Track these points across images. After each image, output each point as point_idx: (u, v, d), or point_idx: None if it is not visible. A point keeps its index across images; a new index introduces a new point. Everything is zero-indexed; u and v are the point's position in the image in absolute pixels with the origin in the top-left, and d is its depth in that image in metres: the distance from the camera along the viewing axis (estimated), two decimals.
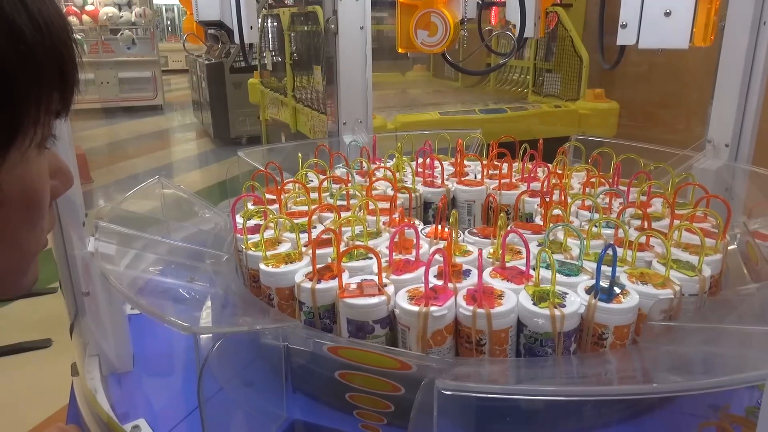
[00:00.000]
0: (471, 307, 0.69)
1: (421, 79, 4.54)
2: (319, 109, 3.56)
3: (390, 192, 1.13)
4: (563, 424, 0.75)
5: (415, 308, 0.70)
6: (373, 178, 1.18)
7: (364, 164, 1.35)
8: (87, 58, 7.43)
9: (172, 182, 1.34)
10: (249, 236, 0.92)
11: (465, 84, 4.22)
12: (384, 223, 0.97)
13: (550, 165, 1.31)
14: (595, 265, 0.75)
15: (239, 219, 0.97)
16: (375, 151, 1.41)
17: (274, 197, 1.11)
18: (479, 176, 1.27)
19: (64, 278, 0.88)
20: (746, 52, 1.20)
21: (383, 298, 0.72)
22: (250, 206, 1.03)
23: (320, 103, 3.59)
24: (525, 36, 1.45)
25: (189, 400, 0.86)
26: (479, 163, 1.34)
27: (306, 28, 3.85)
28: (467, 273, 0.80)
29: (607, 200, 1.12)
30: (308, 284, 0.76)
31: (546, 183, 1.11)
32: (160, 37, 9.49)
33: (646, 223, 0.93)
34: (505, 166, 1.27)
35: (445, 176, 1.24)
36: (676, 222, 0.93)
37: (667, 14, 0.95)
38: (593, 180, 1.19)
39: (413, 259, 0.84)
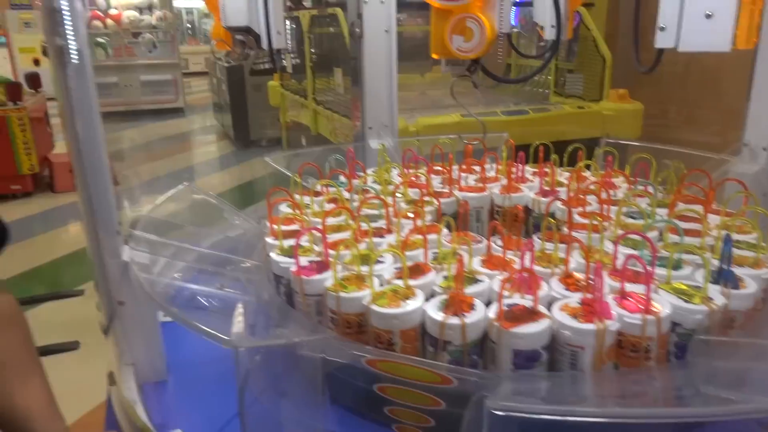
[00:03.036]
0: (639, 315, 0.66)
1: (440, 80, 4.52)
2: (339, 111, 3.57)
3: (403, 206, 1.09)
4: None
5: (590, 326, 0.65)
6: (402, 191, 1.16)
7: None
8: (111, 62, 7.54)
9: (198, 187, 1.34)
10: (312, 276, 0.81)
11: (485, 85, 4.19)
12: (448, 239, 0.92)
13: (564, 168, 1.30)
14: (689, 257, 0.79)
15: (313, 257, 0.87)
16: (353, 165, 1.35)
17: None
18: (469, 182, 1.25)
19: (102, 287, 0.88)
20: None
21: (548, 321, 0.67)
22: (303, 241, 0.93)
23: (341, 106, 3.59)
24: (553, 38, 1.43)
25: (224, 409, 0.86)
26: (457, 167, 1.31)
27: (327, 30, 3.85)
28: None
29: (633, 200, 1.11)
30: (456, 320, 0.69)
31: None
32: (180, 40, 9.58)
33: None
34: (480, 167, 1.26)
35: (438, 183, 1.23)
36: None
37: (708, 16, 0.93)
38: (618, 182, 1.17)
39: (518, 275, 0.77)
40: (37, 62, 7.92)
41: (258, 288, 0.95)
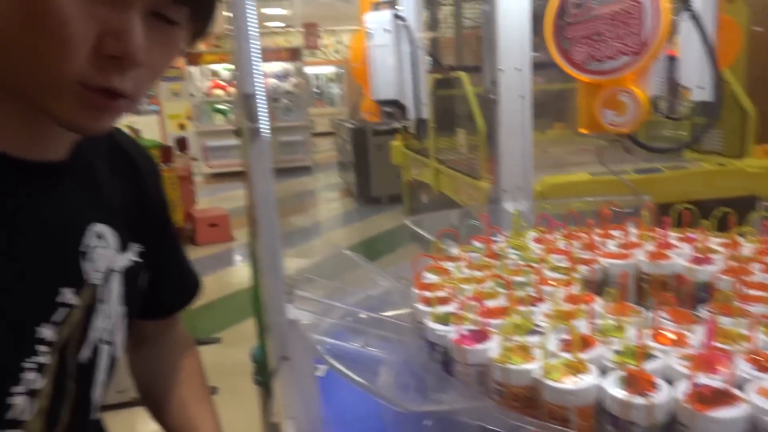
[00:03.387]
0: None
1: (562, 137, 4.45)
2: (462, 170, 3.62)
3: (547, 273, 1.05)
4: None
5: None
6: (547, 257, 1.15)
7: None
8: None
9: (337, 244, 1.42)
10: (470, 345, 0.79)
11: (610, 140, 4.07)
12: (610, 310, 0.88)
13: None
14: None
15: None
16: (491, 230, 1.31)
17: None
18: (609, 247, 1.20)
19: (274, 342, 0.96)
20: None
21: (747, 406, 0.63)
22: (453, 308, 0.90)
23: (463, 165, 3.64)
24: (702, 99, 1.38)
25: None
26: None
27: (449, 93, 3.97)
28: None
29: None
30: (642, 400, 0.65)
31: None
32: (308, 103, 10.33)
33: None
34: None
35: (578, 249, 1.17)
36: None
37: None
38: None
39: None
40: (182, 127, 8.86)
41: (408, 350, 0.98)
